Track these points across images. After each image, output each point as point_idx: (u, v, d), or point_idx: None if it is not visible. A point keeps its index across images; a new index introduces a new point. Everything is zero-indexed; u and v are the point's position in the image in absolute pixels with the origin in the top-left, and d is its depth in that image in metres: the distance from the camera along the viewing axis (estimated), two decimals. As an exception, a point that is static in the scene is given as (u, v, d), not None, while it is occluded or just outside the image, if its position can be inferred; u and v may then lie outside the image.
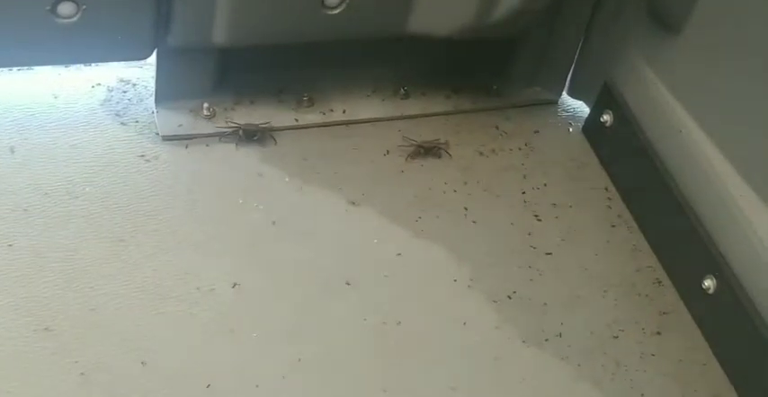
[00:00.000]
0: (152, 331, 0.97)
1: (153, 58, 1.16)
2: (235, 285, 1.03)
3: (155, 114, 1.20)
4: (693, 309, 1.11)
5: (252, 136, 1.19)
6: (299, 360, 0.97)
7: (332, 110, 1.27)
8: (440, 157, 1.23)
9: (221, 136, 1.19)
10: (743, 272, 1.04)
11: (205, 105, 1.21)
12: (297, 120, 1.25)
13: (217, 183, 1.15)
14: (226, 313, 1.00)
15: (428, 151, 1.23)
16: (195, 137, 1.19)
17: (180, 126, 1.19)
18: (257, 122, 1.20)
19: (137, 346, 0.95)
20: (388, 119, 1.29)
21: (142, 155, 1.16)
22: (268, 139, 1.21)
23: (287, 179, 1.17)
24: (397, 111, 1.30)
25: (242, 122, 1.20)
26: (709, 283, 1.07)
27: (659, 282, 1.14)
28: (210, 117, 1.21)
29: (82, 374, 0.92)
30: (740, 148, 1.07)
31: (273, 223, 1.11)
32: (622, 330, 1.07)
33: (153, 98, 1.21)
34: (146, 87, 1.25)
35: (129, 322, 0.98)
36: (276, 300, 1.03)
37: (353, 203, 1.16)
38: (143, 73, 1.26)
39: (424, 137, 1.24)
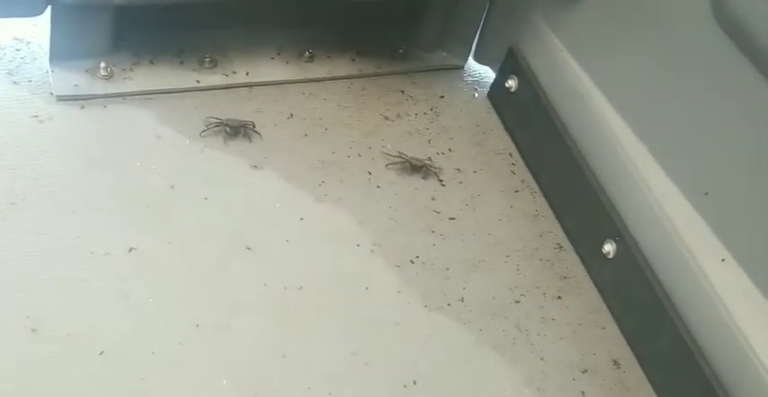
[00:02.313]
0: (43, 297, 0.94)
1: (48, 16, 1.11)
2: (131, 249, 1.00)
3: (49, 73, 1.16)
4: (594, 273, 1.12)
5: (237, 132, 1.16)
6: (197, 326, 0.95)
7: (235, 72, 1.24)
8: (426, 179, 1.18)
9: (203, 132, 1.15)
10: (642, 237, 1.06)
11: (102, 65, 1.17)
12: (198, 82, 1.22)
13: (114, 145, 1.11)
14: (121, 278, 0.98)
15: (415, 168, 1.18)
16: (92, 98, 1.16)
17: (75, 86, 1.15)
18: (240, 118, 1.17)
19: (27, 313, 0.92)
20: (293, 82, 1.27)
21: (35, 116, 1.11)
22: (253, 134, 1.17)
23: (187, 141, 1.14)
24: (302, 74, 1.28)
25: (224, 118, 1.16)
26: (609, 247, 1.08)
27: (561, 247, 1.15)
28: (108, 77, 1.17)
29: (-32, 341, 0.89)
30: (640, 114, 1.08)
31: (172, 186, 1.08)
32: (524, 295, 1.08)
33: (47, 57, 1.16)
34: (40, 46, 1.20)
35: (19, 288, 0.94)
36: (174, 265, 1.01)
37: (255, 167, 1.13)
38: (37, 31, 1.21)
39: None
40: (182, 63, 1.23)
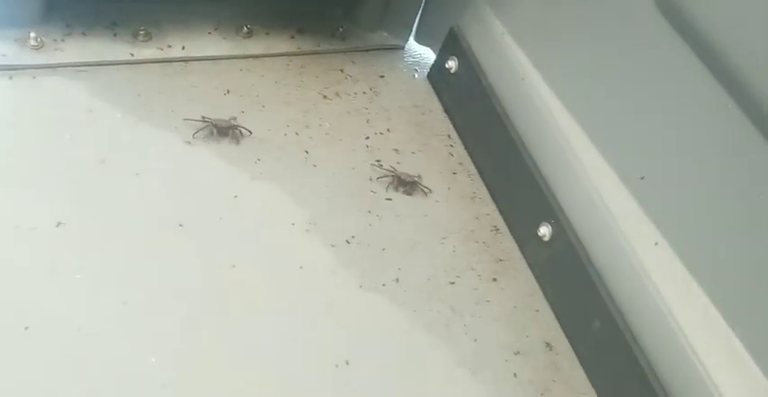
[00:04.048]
0: (-35, 271, 0.91)
1: (-25, -18, 1.08)
2: (59, 224, 0.97)
3: (-24, 42, 1.12)
4: (529, 256, 1.12)
5: (225, 133, 1.12)
6: (125, 303, 0.93)
7: (170, 46, 1.22)
8: (411, 195, 1.15)
9: (195, 134, 1.11)
10: (577, 220, 1.06)
11: (32, 35, 1.13)
12: (132, 55, 1.19)
13: (42, 117, 1.08)
14: (47, 253, 0.95)
15: (401, 183, 1.14)
16: (20, 69, 1.12)
17: (4, 55, 1.12)
18: (226, 118, 1.13)
19: (-53, 286, 0.89)
20: (230, 58, 1.25)
21: (-39, 86, 1.08)
22: (239, 136, 1.13)
23: (119, 115, 1.11)
24: (239, 50, 1.25)
25: (212, 117, 1.12)
26: (544, 230, 1.08)
27: (497, 229, 1.14)
28: (38, 47, 1.14)
29: None
30: (579, 98, 1.08)
31: (103, 161, 1.05)
32: (459, 277, 1.07)
33: (-26, 25, 1.13)
34: (-33, 14, 1.16)
35: (-61, 262, 0.91)
36: (103, 241, 0.98)
37: (189, 143, 1.11)
38: (-36, -2, 1.18)
39: (401, 168, 1.17)
40: (115, 35, 1.20)
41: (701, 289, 0.93)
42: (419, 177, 1.16)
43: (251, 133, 1.14)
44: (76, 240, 0.97)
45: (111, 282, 0.95)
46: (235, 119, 1.14)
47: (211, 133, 1.12)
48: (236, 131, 1.13)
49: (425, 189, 1.16)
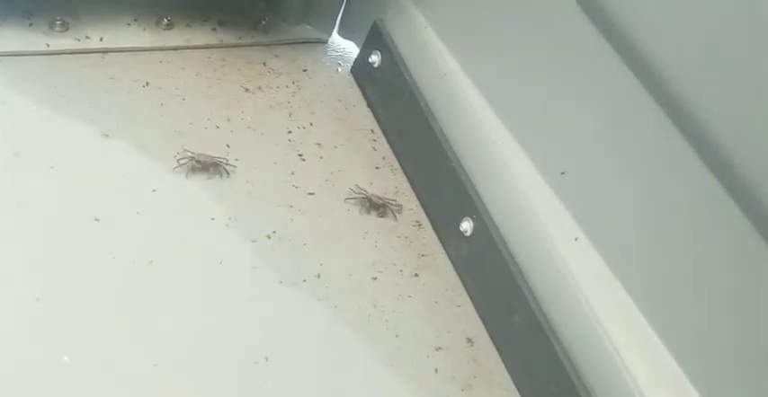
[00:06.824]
0: None
1: None
2: (-33, 218, 0.95)
3: None
4: (451, 251, 1.12)
5: (206, 168, 1.09)
6: (38, 300, 0.90)
7: (88, 37, 1.19)
8: (384, 216, 1.13)
9: (176, 168, 1.07)
10: (499, 215, 1.06)
11: (-57, 24, 1.10)
12: (48, 45, 1.16)
13: (-47, 109, 1.05)
14: (-44, 248, 0.92)
15: (374, 206, 1.13)
16: (-70, 58, 1.09)
17: None
18: (212, 154, 1.10)
19: None
20: (149, 50, 1.22)
21: None
22: (222, 172, 1.10)
23: (34, 107, 1.08)
24: (159, 42, 1.23)
25: (197, 152, 1.09)
26: (466, 225, 1.08)
27: (419, 224, 1.14)
28: (-51, 37, 1.11)
29: None
30: (501, 94, 1.08)
31: (16, 153, 1.02)
32: (381, 272, 1.07)
33: None
34: None
35: None
36: (15, 235, 0.95)
37: (107, 135, 1.08)
38: None
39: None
40: (31, 25, 1.17)
41: (619, 284, 0.94)
42: (393, 200, 1.16)
43: (235, 167, 1.11)
44: (-13, 235, 0.94)
45: (24, 278, 0.92)
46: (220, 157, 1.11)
47: (192, 165, 1.08)
48: (219, 168, 1.10)
49: (395, 208, 1.15)
